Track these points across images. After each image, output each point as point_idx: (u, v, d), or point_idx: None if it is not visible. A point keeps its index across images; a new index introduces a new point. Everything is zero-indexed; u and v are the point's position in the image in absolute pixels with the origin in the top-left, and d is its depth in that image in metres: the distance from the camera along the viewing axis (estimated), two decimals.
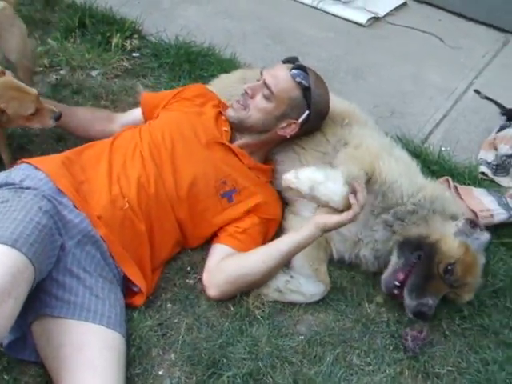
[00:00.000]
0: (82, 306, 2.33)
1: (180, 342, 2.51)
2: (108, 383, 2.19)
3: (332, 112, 3.04)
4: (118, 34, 4.10)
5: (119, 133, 2.92)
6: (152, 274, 2.68)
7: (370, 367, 2.54)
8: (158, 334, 2.53)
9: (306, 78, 2.89)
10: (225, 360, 2.45)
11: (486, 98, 4.22)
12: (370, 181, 2.70)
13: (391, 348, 2.61)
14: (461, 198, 3.19)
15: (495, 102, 4.17)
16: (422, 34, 4.87)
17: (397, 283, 2.67)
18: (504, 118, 4.01)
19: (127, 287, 2.60)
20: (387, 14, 5.04)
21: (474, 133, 3.91)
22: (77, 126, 3.20)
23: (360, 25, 4.87)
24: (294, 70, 2.91)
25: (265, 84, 2.88)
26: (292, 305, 2.72)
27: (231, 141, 2.95)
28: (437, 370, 2.56)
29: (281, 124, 2.92)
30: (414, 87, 4.26)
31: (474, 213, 3.12)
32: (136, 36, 4.20)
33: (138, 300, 2.59)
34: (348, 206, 2.49)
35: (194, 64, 3.98)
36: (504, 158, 3.59)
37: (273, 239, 2.81)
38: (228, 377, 2.39)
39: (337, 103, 3.12)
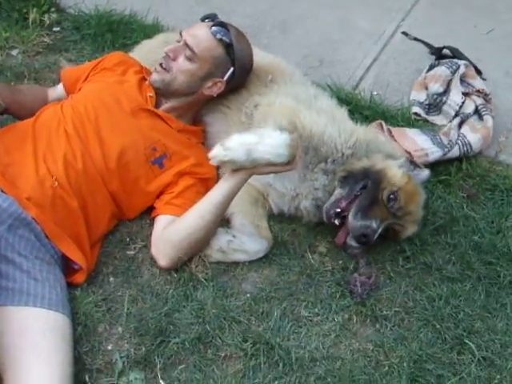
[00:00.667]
0: (20, 291, 2.28)
1: (125, 314, 2.48)
2: (54, 366, 2.15)
3: (256, 68, 3.01)
4: (35, 9, 3.96)
5: (41, 111, 2.83)
6: (91, 249, 2.63)
7: (318, 317, 2.56)
8: (102, 309, 2.49)
9: (226, 35, 2.84)
10: (172, 327, 2.44)
11: (415, 39, 4.23)
12: None
13: (338, 296, 2.63)
14: (395, 140, 3.20)
15: (424, 42, 4.18)
16: None
17: (338, 210, 2.67)
18: (433, 57, 4.02)
19: (67, 266, 2.55)
20: None
21: (404, 74, 3.92)
22: (21, 107, 3.00)
23: None
24: (214, 28, 2.85)
25: (186, 45, 2.83)
26: (235, 264, 2.71)
27: (157, 106, 2.89)
28: (384, 313, 2.59)
29: (206, 84, 2.88)
30: (341, 34, 4.23)
31: (409, 153, 3.14)
32: (54, 10, 4.06)
33: (80, 277, 2.54)
34: (294, 156, 2.45)
35: (116, 33, 3.89)
36: (435, 96, 3.61)
37: None
38: (176, 343, 2.39)
39: (261, 58, 3.09)
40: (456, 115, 3.51)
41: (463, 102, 3.56)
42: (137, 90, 2.88)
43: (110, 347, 2.40)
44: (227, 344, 2.41)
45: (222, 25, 2.89)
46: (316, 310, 2.58)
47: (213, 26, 2.87)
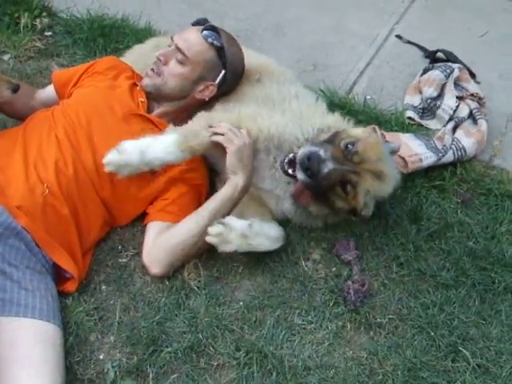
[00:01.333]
0: (11, 301, 2.26)
1: (117, 323, 2.47)
2: (44, 376, 2.14)
3: (246, 69, 3.02)
4: (27, 14, 3.93)
5: (31, 117, 2.81)
6: (83, 257, 2.61)
7: (312, 325, 2.55)
8: (94, 318, 2.48)
9: (217, 38, 2.85)
10: (164, 336, 2.43)
11: (409, 42, 4.22)
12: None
13: (331, 304, 2.62)
14: None
15: (418, 46, 4.17)
16: None
17: (291, 156, 2.63)
18: (427, 60, 4.01)
19: (58, 274, 2.54)
20: None
21: (398, 78, 3.90)
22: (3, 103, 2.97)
23: None
24: (205, 32, 2.86)
25: (177, 49, 2.83)
26: (228, 271, 2.70)
27: (149, 111, 2.89)
28: (378, 320, 2.58)
29: (198, 87, 2.88)
30: (335, 38, 4.21)
31: (403, 158, 3.13)
32: (46, 14, 4.02)
33: (71, 286, 2.53)
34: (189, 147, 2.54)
35: (108, 37, 3.86)
36: (429, 100, 3.59)
37: None
38: (169, 352, 2.38)
39: (252, 59, 3.08)
40: (450, 119, 3.50)
41: (457, 106, 3.55)
42: (129, 95, 2.87)
43: (101, 357, 2.39)
44: (220, 353, 2.41)
45: (213, 29, 2.89)
46: (309, 317, 2.57)
47: (204, 29, 2.87)
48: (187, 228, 2.60)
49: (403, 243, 2.86)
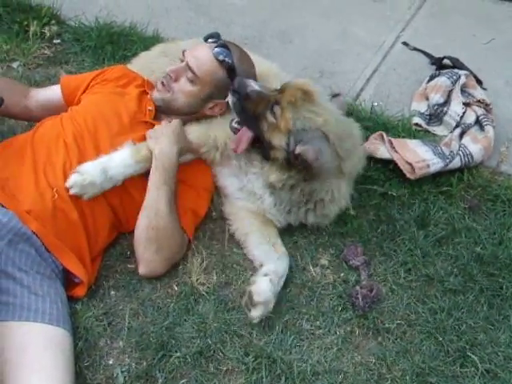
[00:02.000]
0: (21, 306, 2.27)
1: (127, 328, 2.48)
2: (55, 382, 2.14)
3: None
4: (36, 22, 3.97)
5: (40, 123, 2.83)
6: (92, 262, 2.63)
7: (320, 330, 2.55)
8: (103, 323, 2.49)
9: (229, 56, 2.82)
10: (173, 341, 2.43)
11: (415, 49, 4.24)
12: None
13: (340, 309, 2.62)
14: (396, 152, 3.19)
15: (424, 53, 4.18)
16: None
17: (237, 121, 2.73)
18: (434, 67, 4.03)
19: (68, 279, 2.55)
20: None
21: (404, 85, 3.91)
22: None
23: None
24: (216, 49, 2.83)
25: (188, 67, 2.82)
26: (237, 277, 2.71)
27: (156, 119, 2.88)
28: (387, 325, 2.58)
29: (208, 105, 2.88)
30: (341, 45, 4.23)
31: (410, 164, 3.13)
32: (54, 22, 4.06)
33: (80, 291, 2.54)
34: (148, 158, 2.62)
35: (116, 45, 3.88)
36: (436, 107, 3.60)
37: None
38: (178, 357, 2.39)
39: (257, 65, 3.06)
40: (457, 126, 3.51)
41: (464, 113, 3.56)
42: (137, 102, 2.88)
43: (110, 362, 2.39)
44: (229, 358, 2.41)
45: (225, 46, 2.86)
46: (318, 323, 2.57)
47: (215, 47, 2.85)
48: (140, 215, 2.63)
49: (411, 249, 2.87)
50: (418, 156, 3.20)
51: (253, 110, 2.64)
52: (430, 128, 3.59)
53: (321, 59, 4.07)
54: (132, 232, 2.76)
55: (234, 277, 2.70)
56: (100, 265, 2.69)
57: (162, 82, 2.88)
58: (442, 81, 3.71)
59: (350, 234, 2.93)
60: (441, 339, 2.54)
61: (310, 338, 2.52)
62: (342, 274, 2.76)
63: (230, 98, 2.68)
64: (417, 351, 2.50)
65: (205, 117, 2.93)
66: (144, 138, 2.73)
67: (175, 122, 2.74)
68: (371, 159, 3.25)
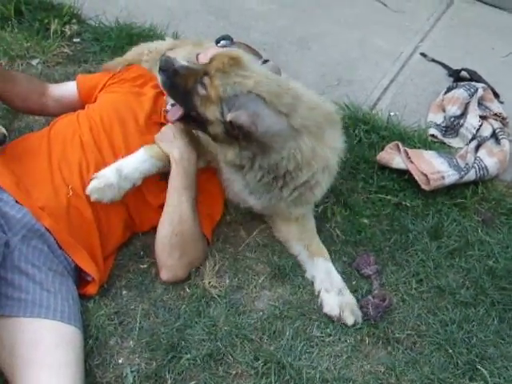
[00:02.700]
0: (33, 302, 2.28)
1: (137, 328, 2.48)
2: (64, 378, 2.15)
3: None
4: (57, 20, 3.99)
5: (55, 120, 2.85)
6: (105, 261, 2.64)
7: (331, 338, 2.55)
8: (114, 322, 2.50)
9: None
10: (184, 343, 2.44)
11: (433, 60, 4.24)
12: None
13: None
14: (411, 162, 3.20)
15: (442, 64, 4.18)
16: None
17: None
18: (451, 79, 4.02)
19: (80, 277, 2.56)
20: None
21: (421, 96, 3.91)
22: (14, 96, 3.03)
23: None
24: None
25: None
26: (249, 281, 2.71)
27: None
28: (397, 335, 2.58)
29: None
30: (359, 54, 4.24)
31: (425, 175, 3.14)
32: (75, 21, 4.10)
33: (92, 289, 2.55)
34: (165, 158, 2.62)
35: (135, 45, 3.88)
36: (452, 119, 3.60)
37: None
38: (188, 359, 2.39)
39: None
40: (473, 138, 3.51)
41: (480, 126, 3.56)
42: (152, 103, 2.89)
43: (121, 361, 2.40)
44: (238, 362, 2.41)
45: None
46: (328, 330, 2.57)
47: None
48: (161, 226, 2.63)
49: (423, 260, 2.87)
50: (433, 167, 3.20)
51: (184, 86, 2.52)
52: (446, 140, 3.59)
53: (339, 67, 4.08)
54: (146, 232, 2.79)
55: (246, 281, 2.71)
56: (113, 264, 2.70)
57: None
58: (460, 93, 3.71)
59: (363, 242, 2.93)
60: (451, 351, 2.53)
61: (320, 345, 2.52)
62: (354, 283, 2.76)
63: (158, 78, 2.59)
64: (426, 362, 2.49)
65: None
66: None
67: (178, 123, 2.70)
68: (386, 169, 3.27)
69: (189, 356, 2.39)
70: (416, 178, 3.15)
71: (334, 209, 3.07)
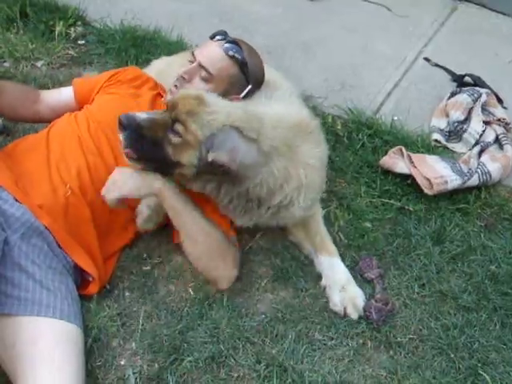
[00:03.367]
0: (33, 300, 2.28)
1: (140, 330, 2.48)
2: (66, 377, 2.15)
3: None
4: (62, 22, 4.02)
5: (55, 121, 2.85)
6: (106, 261, 2.65)
7: (333, 341, 2.54)
8: (117, 323, 2.50)
9: (239, 52, 2.82)
10: (186, 345, 2.43)
11: (436, 65, 4.25)
12: None
13: (352, 321, 2.61)
14: (414, 167, 3.20)
15: (445, 69, 4.19)
16: (369, 4, 4.89)
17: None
18: (455, 84, 4.04)
19: (81, 277, 2.57)
20: None
21: (425, 101, 3.92)
22: (5, 105, 2.97)
23: None
24: (226, 45, 2.83)
25: (201, 66, 2.80)
26: (251, 284, 2.71)
27: None
28: (399, 339, 2.57)
29: None
30: (363, 59, 4.25)
31: (428, 180, 3.14)
32: (80, 23, 4.13)
33: (93, 288, 2.55)
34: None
35: (140, 48, 3.92)
36: (456, 124, 3.61)
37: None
38: (190, 361, 2.38)
39: None
40: (476, 143, 3.52)
41: (484, 131, 3.57)
42: (150, 105, 2.89)
43: (122, 362, 2.40)
44: (240, 365, 2.41)
45: (234, 41, 2.86)
46: (330, 333, 2.57)
47: (225, 43, 2.85)
48: (188, 246, 2.59)
49: (426, 264, 2.87)
50: (436, 172, 3.20)
51: (151, 139, 2.41)
52: (449, 145, 3.59)
53: (342, 72, 4.09)
54: (149, 235, 2.78)
55: (248, 284, 2.70)
56: (115, 266, 2.70)
57: (176, 86, 2.85)
58: (463, 98, 3.72)
59: (366, 246, 2.93)
60: (452, 356, 2.53)
61: (322, 349, 2.52)
62: None
63: (120, 136, 2.44)
64: (428, 367, 2.49)
65: None
66: None
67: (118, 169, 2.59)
68: (389, 173, 3.27)
69: (191, 358, 2.39)
70: (419, 182, 3.16)
71: (336, 213, 3.08)
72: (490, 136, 3.53)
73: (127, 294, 2.63)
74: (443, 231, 3.02)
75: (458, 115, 3.63)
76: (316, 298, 2.69)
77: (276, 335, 2.52)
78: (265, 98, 2.86)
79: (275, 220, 2.71)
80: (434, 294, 2.76)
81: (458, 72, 4.08)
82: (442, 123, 3.68)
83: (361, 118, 3.57)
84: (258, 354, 2.44)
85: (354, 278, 2.75)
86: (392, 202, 3.16)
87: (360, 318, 2.62)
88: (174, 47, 3.89)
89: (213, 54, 2.82)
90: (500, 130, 3.56)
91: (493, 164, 3.31)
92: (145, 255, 2.77)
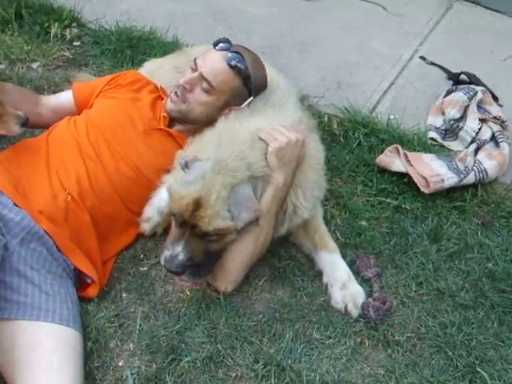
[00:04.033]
0: (32, 305, 2.28)
1: (137, 331, 2.48)
2: (65, 381, 2.15)
3: None
4: (57, 24, 4.01)
5: (54, 125, 2.85)
6: (105, 263, 2.65)
7: (330, 340, 2.55)
8: (114, 324, 2.50)
9: (242, 62, 2.78)
10: (183, 345, 2.44)
11: (432, 63, 4.26)
12: None
13: (350, 319, 2.62)
14: (411, 165, 3.21)
15: (441, 68, 4.20)
16: (365, 3, 4.90)
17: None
18: (450, 82, 4.04)
19: (80, 280, 2.57)
20: None
21: (421, 99, 3.93)
22: None
23: None
24: (229, 55, 2.79)
25: (203, 78, 2.78)
26: (249, 284, 2.71)
27: (169, 125, 2.89)
28: (396, 338, 2.57)
29: (224, 112, 2.83)
30: (359, 57, 4.25)
31: (425, 178, 3.14)
32: (75, 24, 4.12)
33: (92, 291, 2.55)
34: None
35: (136, 49, 3.93)
36: (452, 122, 3.61)
37: None
38: (188, 362, 2.38)
39: None
40: (472, 141, 3.52)
41: (480, 129, 3.57)
42: (150, 109, 2.89)
43: (121, 363, 2.40)
44: (238, 364, 2.41)
45: (237, 52, 2.82)
46: (328, 332, 2.57)
47: (228, 54, 2.80)
48: (244, 241, 2.56)
49: (423, 262, 2.87)
50: (432, 170, 3.21)
51: (202, 257, 2.47)
52: (446, 143, 3.60)
53: (338, 71, 4.09)
54: (147, 236, 2.78)
55: (245, 284, 2.70)
56: (112, 267, 2.70)
57: (176, 93, 2.84)
58: (459, 96, 3.73)
59: (363, 245, 2.93)
60: (450, 354, 2.53)
61: (320, 348, 2.52)
62: None
63: (183, 278, 2.54)
64: (426, 365, 2.49)
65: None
66: (160, 145, 2.79)
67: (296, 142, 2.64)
68: (386, 172, 3.28)
69: (189, 358, 2.39)
70: (415, 180, 3.16)
71: (333, 211, 3.08)
72: (486, 134, 3.53)
73: (124, 295, 2.63)
74: (440, 229, 3.02)
75: (453, 113, 3.63)
76: (313, 297, 2.69)
77: (274, 334, 2.53)
78: (260, 103, 2.86)
79: (291, 223, 2.76)
80: (431, 292, 2.77)
81: (454, 70, 4.09)
82: (438, 121, 3.68)
83: (357, 117, 3.57)
84: (255, 353, 2.44)
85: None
86: (388, 200, 3.17)
87: (358, 316, 2.62)
88: (169, 48, 3.88)
89: (216, 65, 2.79)
90: (496, 127, 3.57)
91: (489, 162, 3.32)
92: (142, 256, 2.77)
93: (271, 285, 2.72)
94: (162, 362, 2.38)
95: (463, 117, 3.66)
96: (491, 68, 4.20)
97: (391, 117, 3.70)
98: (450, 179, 3.18)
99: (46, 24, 4.02)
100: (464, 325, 2.64)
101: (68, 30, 4.04)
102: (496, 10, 4.95)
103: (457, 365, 2.50)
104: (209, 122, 2.83)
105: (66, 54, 3.93)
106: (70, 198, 2.53)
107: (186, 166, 2.50)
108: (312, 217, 2.85)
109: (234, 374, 2.39)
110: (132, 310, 2.57)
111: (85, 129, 2.74)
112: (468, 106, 3.69)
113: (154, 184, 2.68)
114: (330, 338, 2.55)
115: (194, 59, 2.85)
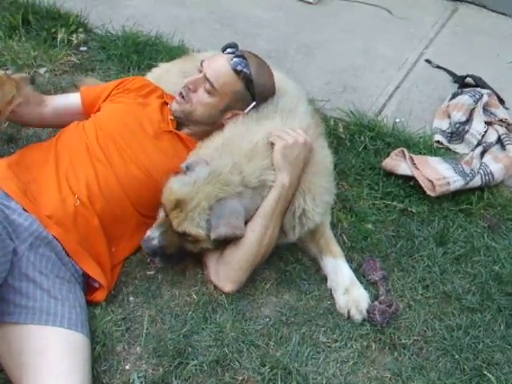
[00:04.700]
0: (40, 309, 2.29)
1: (144, 334, 2.49)
2: None
3: None
4: (64, 29, 4.04)
5: (62, 130, 2.86)
6: (113, 269, 2.65)
7: (337, 343, 2.54)
8: (121, 328, 2.50)
9: (246, 67, 2.79)
10: (190, 349, 2.44)
11: (438, 66, 4.26)
12: None
13: (357, 323, 2.61)
14: (417, 168, 3.21)
15: (447, 71, 4.20)
16: (370, 7, 4.91)
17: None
18: (456, 85, 4.04)
19: (88, 284, 2.57)
20: None
21: (427, 102, 3.93)
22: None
23: (308, 2, 4.87)
24: (234, 59, 2.81)
25: (206, 79, 2.80)
26: (255, 288, 2.71)
27: (178, 128, 2.90)
28: (403, 341, 2.57)
29: (226, 115, 2.85)
30: (365, 61, 4.26)
31: (431, 181, 3.14)
32: (82, 30, 4.14)
33: (100, 295, 2.56)
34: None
35: (142, 54, 3.95)
36: (458, 125, 3.61)
37: None
38: (194, 365, 2.38)
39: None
40: (478, 144, 3.52)
41: (486, 131, 3.58)
42: (159, 113, 2.90)
43: (127, 367, 2.40)
44: (245, 368, 2.41)
45: (243, 56, 2.84)
46: (335, 336, 2.57)
47: (233, 58, 2.83)
48: (248, 240, 2.59)
49: (429, 265, 2.87)
50: (438, 173, 3.21)
51: (174, 249, 2.63)
52: (452, 146, 3.60)
53: (344, 74, 4.10)
54: None
55: (252, 287, 2.70)
56: (120, 271, 2.71)
57: (181, 94, 2.87)
58: (465, 99, 3.73)
59: (369, 248, 2.93)
60: (457, 357, 2.52)
61: (327, 351, 2.52)
62: None
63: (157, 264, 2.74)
64: (433, 368, 2.49)
65: (223, 127, 2.87)
66: (170, 148, 2.80)
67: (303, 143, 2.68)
68: (392, 175, 3.28)
69: (195, 362, 2.39)
70: (421, 184, 3.16)
71: (339, 215, 3.08)
72: (492, 136, 3.54)
73: (131, 298, 2.63)
74: (446, 232, 3.02)
75: (459, 116, 3.63)
76: (320, 300, 2.69)
77: (280, 338, 2.53)
78: (269, 109, 2.87)
79: (302, 228, 2.77)
80: (437, 295, 2.76)
81: (460, 73, 4.09)
82: (443, 124, 3.69)
83: (363, 121, 3.58)
84: (262, 357, 2.44)
85: (358, 280, 2.75)
86: (395, 203, 3.17)
87: (364, 320, 2.62)
88: (175, 53, 3.90)
89: (219, 68, 2.82)
90: (502, 130, 3.57)
91: (495, 164, 3.32)
92: (148, 260, 2.77)
93: (278, 288, 2.72)
94: (168, 365, 2.38)
95: (469, 120, 3.66)
96: (497, 71, 4.20)
97: (397, 120, 3.70)
98: (456, 182, 3.18)
99: (53, 29, 4.06)
100: (471, 328, 2.63)
101: (74, 36, 4.07)
102: (502, 13, 4.95)
103: (463, 368, 2.49)
104: (210, 123, 2.87)
105: (72, 59, 3.95)
106: (78, 202, 2.54)
107: (186, 169, 2.60)
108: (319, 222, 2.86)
109: (240, 378, 2.38)
110: (139, 313, 2.57)
111: (94, 132, 2.75)
112: (474, 108, 3.70)
113: None
114: (337, 341, 2.55)
115: (202, 61, 2.89)
